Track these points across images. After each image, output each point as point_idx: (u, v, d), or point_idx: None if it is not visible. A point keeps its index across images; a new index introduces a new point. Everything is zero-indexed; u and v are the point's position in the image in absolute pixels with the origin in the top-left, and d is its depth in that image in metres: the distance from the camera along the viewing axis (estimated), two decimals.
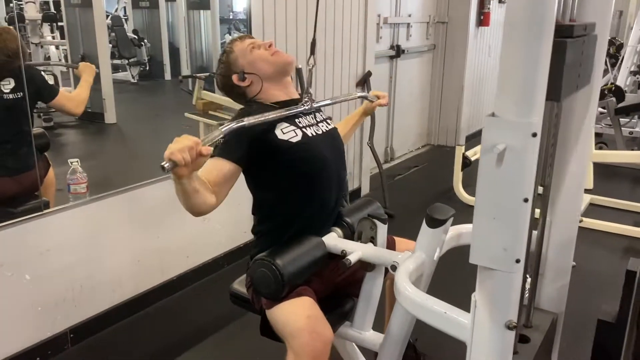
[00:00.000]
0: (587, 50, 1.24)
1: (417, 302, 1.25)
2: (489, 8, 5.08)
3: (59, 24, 6.24)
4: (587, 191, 3.79)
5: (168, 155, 1.19)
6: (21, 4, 5.93)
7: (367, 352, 1.75)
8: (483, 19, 5.10)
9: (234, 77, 1.64)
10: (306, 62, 1.66)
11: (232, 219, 2.85)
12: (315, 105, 1.67)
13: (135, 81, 8.01)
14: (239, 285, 1.83)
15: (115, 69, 6.76)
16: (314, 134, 1.62)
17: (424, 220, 1.46)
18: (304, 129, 1.60)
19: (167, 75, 8.96)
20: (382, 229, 1.63)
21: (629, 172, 4.36)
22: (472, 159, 3.77)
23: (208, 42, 8.19)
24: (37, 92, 2.46)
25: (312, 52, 1.65)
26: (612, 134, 4.70)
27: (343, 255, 1.59)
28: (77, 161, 2.51)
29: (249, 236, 2.94)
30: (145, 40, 8.83)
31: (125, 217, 2.37)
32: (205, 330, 2.34)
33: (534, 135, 0.96)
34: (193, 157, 1.20)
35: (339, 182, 1.70)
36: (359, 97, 1.99)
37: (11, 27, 2.51)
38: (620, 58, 7.56)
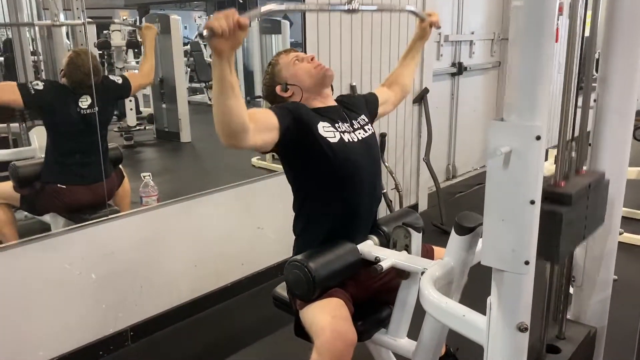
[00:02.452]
0: (595, 200, 1.25)
1: (437, 305, 1.28)
2: (557, 24, 4.94)
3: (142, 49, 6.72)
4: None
5: (206, 24, 1.19)
6: (107, 32, 6.44)
7: (402, 359, 1.77)
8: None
9: (278, 88, 1.73)
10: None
11: (285, 230, 2.93)
12: (361, 7, 1.64)
13: (211, 103, 8.45)
14: (281, 289, 1.91)
15: (194, 91, 7.17)
16: (350, 140, 1.68)
17: (453, 228, 1.49)
18: (342, 134, 1.66)
19: (242, 96, 9.36)
20: (416, 238, 1.66)
21: None
22: None
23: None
24: (117, 96, 2.74)
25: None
26: None
27: (377, 261, 1.64)
28: (149, 175, 2.72)
29: None
30: None
31: (185, 223, 2.52)
32: (255, 334, 2.44)
33: (538, 138, 0.98)
34: (230, 26, 1.19)
35: (373, 190, 1.75)
36: (409, 11, 1.95)
37: (87, 48, 2.80)
38: None
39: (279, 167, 5.24)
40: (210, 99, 8.31)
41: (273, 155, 5.12)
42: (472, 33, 4.61)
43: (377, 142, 1.81)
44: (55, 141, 2.55)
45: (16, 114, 2.88)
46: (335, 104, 1.78)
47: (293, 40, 10.95)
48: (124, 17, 7.32)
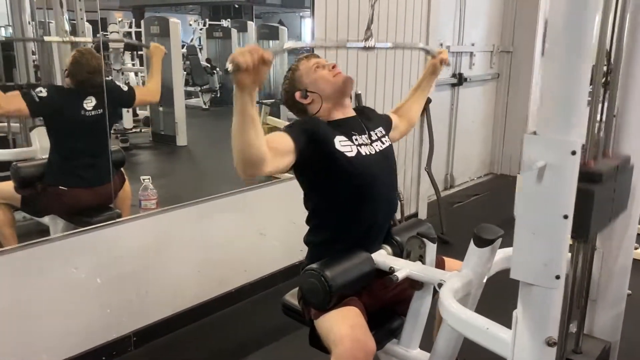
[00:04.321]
0: (621, 184, 1.27)
1: (460, 317, 1.27)
2: None
3: (139, 52, 6.70)
4: None
5: (231, 58, 1.20)
6: (106, 34, 6.41)
7: None
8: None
9: (297, 94, 1.72)
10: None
11: (288, 236, 2.94)
12: (377, 45, 1.68)
13: (207, 107, 8.41)
14: (291, 297, 1.90)
15: (189, 95, 7.14)
16: (368, 153, 1.68)
17: (472, 240, 1.49)
18: (359, 147, 1.66)
19: None
20: (431, 248, 1.66)
21: None
22: None
23: (276, 71, 8.52)
24: (119, 102, 2.71)
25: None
26: None
27: (391, 272, 1.64)
28: (149, 178, 2.70)
29: (304, 254, 3.04)
30: (218, 69, 9.28)
31: (189, 229, 2.51)
32: (259, 341, 2.43)
33: (574, 153, 0.99)
34: (255, 61, 1.20)
35: (389, 202, 1.75)
36: (420, 48, 1.99)
37: (91, 48, 2.77)
38: None
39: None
40: (205, 103, 8.28)
41: None
42: (473, 44, 4.65)
43: (394, 154, 1.80)
44: (58, 142, 2.53)
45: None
46: (355, 114, 1.77)
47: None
48: (119, 19, 7.31)
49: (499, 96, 5.17)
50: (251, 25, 9.67)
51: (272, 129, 5.35)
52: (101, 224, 2.24)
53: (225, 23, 10.88)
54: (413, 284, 1.63)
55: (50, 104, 2.43)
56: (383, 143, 1.76)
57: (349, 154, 1.62)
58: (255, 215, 2.78)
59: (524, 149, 1.04)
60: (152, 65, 2.81)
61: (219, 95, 8.91)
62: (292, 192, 2.88)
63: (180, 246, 2.47)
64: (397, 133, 1.99)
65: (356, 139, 1.67)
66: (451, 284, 1.43)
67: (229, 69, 1.21)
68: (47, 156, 2.57)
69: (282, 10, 13.10)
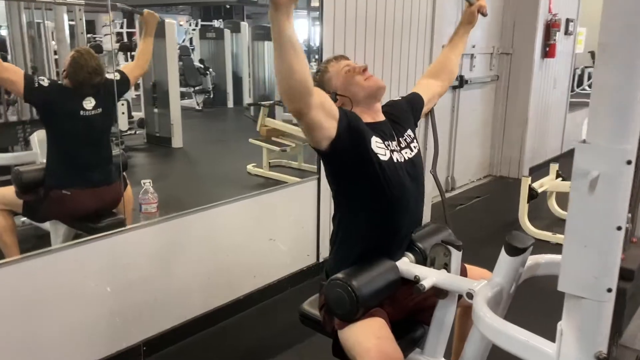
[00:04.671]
0: None
1: (499, 329, 1.24)
2: (554, 40, 5.02)
3: (133, 53, 6.63)
4: None
5: None
6: (100, 37, 6.34)
7: None
8: (549, 51, 5.03)
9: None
10: None
11: (296, 241, 2.91)
12: None
13: (200, 108, 8.36)
14: (310, 306, 1.85)
15: (182, 96, 7.09)
16: (398, 160, 1.63)
17: (503, 248, 1.45)
18: (391, 153, 1.61)
19: (230, 103, 9.31)
20: (456, 256, 1.63)
21: None
22: (539, 191, 3.69)
23: (271, 72, 8.48)
24: (119, 93, 2.65)
25: None
26: None
27: (416, 280, 1.60)
28: (150, 182, 2.64)
29: (312, 260, 3.02)
30: (211, 70, 9.22)
31: (198, 235, 2.46)
32: (270, 350, 2.38)
33: (629, 162, 0.96)
34: None
35: (416, 210, 1.71)
36: None
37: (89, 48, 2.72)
38: None
39: (275, 174, 5.17)
40: (198, 104, 8.20)
41: (269, 164, 5.07)
42: (473, 46, 4.63)
43: (422, 161, 1.75)
44: (58, 145, 2.47)
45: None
46: (384, 118, 1.70)
47: None
48: (112, 20, 7.21)
49: (498, 98, 5.17)
50: (244, 26, 9.64)
51: (270, 130, 5.32)
52: (110, 232, 2.19)
53: (217, 23, 10.83)
54: (437, 293, 1.60)
55: (47, 95, 2.36)
56: (412, 150, 1.70)
57: (382, 157, 1.57)
58: (264, 220, 2.73)
59: (575, 158, 1.01)
60: (145, 32, 2.75)
61: (211, 96, 8.87)
62: (300, 196, 2.88)
63: (189, 253, 2.42)
64: (436, 97, 1.93)
65: (389, 144, 1.63)
66: (484, 293, 1.40)
67: None
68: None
69: None
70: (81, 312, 2.06)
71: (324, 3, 2.75)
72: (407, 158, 1.66)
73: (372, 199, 1.60)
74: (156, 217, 2.54)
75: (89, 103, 2.48)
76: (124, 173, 2.75)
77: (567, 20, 5.26)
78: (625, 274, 1.10)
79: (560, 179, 3.90)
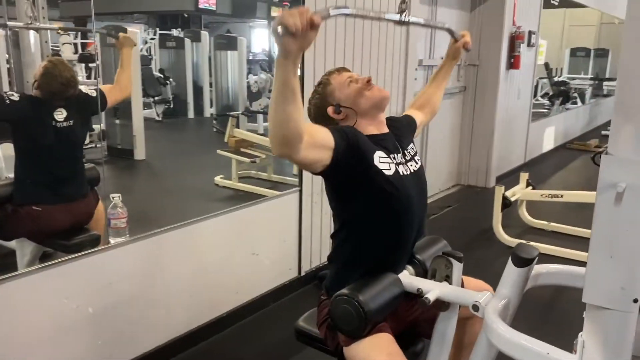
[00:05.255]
0: None
1: (516, 342, 1.23)
2: (519, 51, 5.16)
3: (93, 64, 6.42)
4: None
5: (279, 20, 1.12)
6: (58, 45, 6.11)
7: None
8: (513, 62, 5.17)
9: (330, 109, 1.63)
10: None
11: (278, 255, 2.86)
12: (411, 19, 1.62)
13: (160, 119, 8.17)
14: (306, 322, 1.81)
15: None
16: (404, 173, 1.61)
17: (510, 259, 1.45)
18: (397, 166, 1.59)
19: (191, 114, 9.17)
20: (457, 268, 1.61)
21: None
22: (511, 199, 3.77)
23: (234, 82, 8.39)
24: (91, 110, 2.55)
25: None
26: None
27: (419, 293, 1.58)
28: (119, 196, 2.54)
29: (294, 273, 2.96)
30: (171, 79, 9.05)
31: (179, 252, 2.37)
32: None
33: None
34: (304, 24, 1.12)
35: (421, 223, 1.69)
36: (446, 28, 1.93)
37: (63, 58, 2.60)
38: None
39: (245, 186, 5.10)
40: (158, 115, 8.04)
41: (239, 176, 4.98)
42: (442, 58, 4.69)
43: (425, 175, 1.74)
44: (28, 158, 2.34)
45: None
46: (388, 130, 1.68)
47: (252, 57, 10.74)
48: (60, 32, 7.00)
49: (465, 109, 5.26)
50: (205, 35, 9.53)
51: (240, 141, 5.24)
52: (89, 251, 2.09)
53: (175, 32, 10.67)
54: (439, 305, 1.58)
55: (20, 110, 2.24)
56: (417, 163, 1.69)
57: (387, 172, 1.55)
58: (246, 234, 2.67)
59: (600, 170, 1.01)
60: (122, 57, 2.64)
61: (172, 106, 8.70)
62: (282, 210, 2.83)
63: (170, 271, 2.34)
64: (420, 128, 1.94)
65: (394, 157, 1.60)
66: (495, 306, 1.39)
67: (278, 32, 1.13)
68: (12, 175, 2.39)
69: (232, 20, 12.98)
70: (64, 335, 1.95)
71: None
72: (412, 170, 1.65)
73: (378, 214, 1.57)
74: (126, 232, 2.44)
75: (60, 114, 2.37)
76: (95, 188, 2.65)
77: (530, 33, 5.42)
78: None
79: (531, 187, 3.98)
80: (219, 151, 5.06)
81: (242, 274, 2.66)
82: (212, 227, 2.51)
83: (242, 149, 5.18)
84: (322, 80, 1.68)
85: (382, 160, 1.55)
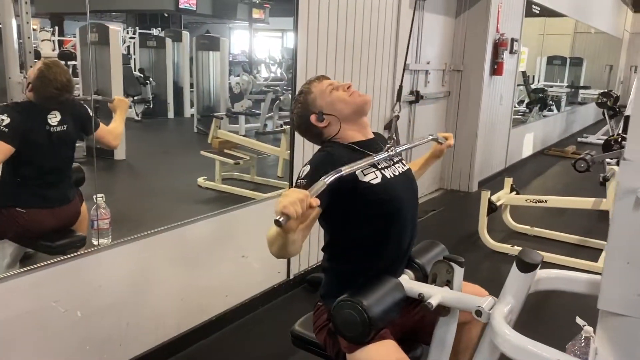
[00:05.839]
0: None
1: (524, 348, 1.22)
2: (502, 58, 5.22)
3: (73, 62, 6.29)
4: None
5: (281, 209, 1.19)
6: (37, 42, 5.96)
7: None
8: (497, 69, 5.23)
9: (312, 118, 1.63)
10: (392, 109, 1.67)
11: (267, 258, 2.79)
12: (398, 149, 1.67)
13: (139, 119, 8.05)
14: (302, 327, 1.78)
15: None
16: (392, 175, 1.61)
17: (515, 265, 1.45)
18: (382, 171, 1.59)
19: (171, 114, 9.06)
20: (458, 273, 1.61)
21: None
22: (497, 204, 3.80)
23: (216, 83, 8.30)
24: (83, 125, 2.46)
25: (399, 99, 1.69)
26: None
27: (420, 298, 1.57)
28: (102, 197, 2.48)
29: (283, 276, 2.93)
30: (151, 79, 8.93)
31: (169, 255, 2.32)
32: None
33: None
34: (304, 210, 1.21)
35: (414, 224, 1.69)
36: (430, 139, 2.00)
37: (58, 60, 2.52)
38: (618, 110, 7.78)
39: (228, 187, 5.04)
40: (137, 114, 7.91)
41: (222, 177, 4.91)
42: (428, 63, 4.74)
43: (414, 176, 1.75)
44: (18, 161, 2.24)
45: None
46: (373, 135, 1.70)
47: (232, 58, 10.65)
48: (35, 27, 6.84)
49: (449, 113, 5.30)
50: (186, 35, 9.43)
51: (223, 142, 5.18)
52: (80, 252, 2.02)
53: (155, 32, 10.54)
54: (439, 310, 1.57)
55: (20, 128, 2.16)
56: (403, 165, 1.71)
57: (374, 181, 1.55)
58: (236, 237, 2.62)
59: (618, 176, 1.02)
60: (116, 117, 2.60)
61: (151, 106, 8.57)
62: (271, 212, 2.78)
63: (160, 274, 2.28)
64: None
65: (379, 163, 1.61)
66: (501, 311, 1.39)
67: (280, 222, 1.20)
68: None
69: (212, 20, 12.88)
70: (52, 339, 1.88)
71: (299, 19, 2.71)
72: (400, 172, 1.66)
73: (371, 221, 1.57)
74: (109, 233, 2.38)
75: (54, 118, 2.31)
76: (79, 189, 2.59)
77: (512, 40, 5.49)
78: None
79: (515, 192, 4.03)
80: (202, 152, 5.00)
81: (231, 277, 2.61)
82: (202, 229, 2.46)
83: (226, 150, 5.13)
84: (302, 89, 1.68)
85: (366, 173, 1.55)
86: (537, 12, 6.18)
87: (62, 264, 1.92)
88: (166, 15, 11.88)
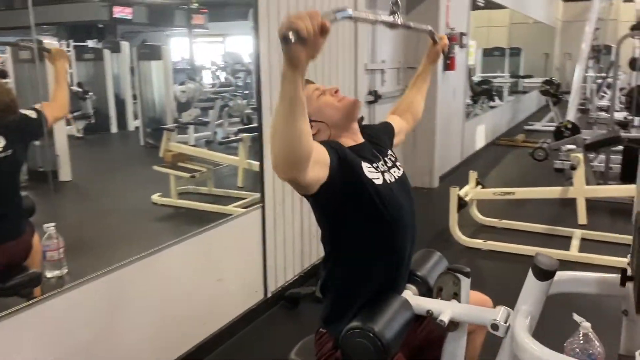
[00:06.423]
0: None
1: None
2: (454, 53, 5.23)
3: (5, 80, 5.87)
4: (580, 226, 3.86)
5: (288, 24, 1.00)
6: None
7: None
8: (449, 64, 5.24)
9: None
10: None
11: (243, 279, 2.67)
12: (400, 21, 1.52)
13: (81, 135, 7.64)
14: (301, 355, 1.65)
15: None
16: (390, 180, 1.51)
17: (531, 272, 1.37)
18: (383, 174, 1.49)
19: (114, 128, 8.67)
20: (465, 284, 1.52)
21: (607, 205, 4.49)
22: (466, 199, 3.77)
23: (160, 93, 8.00)
24: (33, 135, 2.24)
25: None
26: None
27: (429, 315, 1.47)
28: (54, 225, 2.27)
29: (260, 296, 2.77)
30: (91, 93, 8.52)
31: (140, 289, 2.13)
32: None
33: None
34: (315, 29, 1.01)
35: (413, 233, 1.59)
36: (427, 30, 1.88)
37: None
38: (561, 97, 8.03)
39: (186, 202, 4.84)
40: (78, 131, 7.52)
41: (178, 193, 4.71)
42: (383, 62, 4.68)
43: (408, 180, 1.64)
44: None
45: None
46: (364, 140, 1.58)
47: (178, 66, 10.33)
48: None
49: None
50: (125, 45, 9.05)
51: (177, 155, 4.96)
52: (50, 294, 1.82)
53: (90, 43, 10.09)
54: (447, 326, 1.48)
55: None
56: (399, 169, 1.60)
57: (376, 182, 1.44)
58: (209, 260, 2.45)
59: None
60: (56, 72, 2.34)
61: (93, 121, 8.17)
62: (244, 229, 2.63)
63: (132, 310, 2.09)
64: (403, 134, 1.84)
65: (377, 166, 1.50)
66: (522, 324, 1.30)
67: (290, 38, 1.00)
68: None
69: (149, 29, 12.49)
70: None
71: (259, 24, 2.57)
72: (396, 177, 1.56)
73: (372, 228, 1.46)
74: (63, 263, 2.17)
75: None
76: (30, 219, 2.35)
77: (461, 34, 5.52)
78: None
79: (480, 186, 4.02)
80: (155, 167, 4.75)
81: (207, 303, 2.44)
82: (173, 256, 2.27)
83: (180, 164, 4.90)
84: None
85: (369, 170, 1.45)
86: (482, 5, 6.26)
87: (24, 312, 1.71)
88: (101, 26, 11.41)
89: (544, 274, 1.35)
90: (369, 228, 1.46)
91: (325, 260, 1.55)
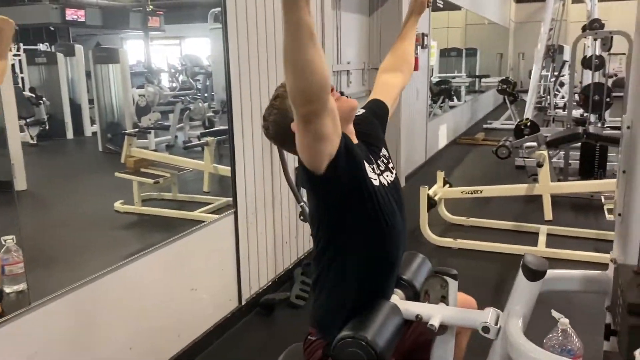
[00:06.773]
0: None
1: None
2: (416, 53, 5.26)
3: None
4: (546, 222, 3.94)
5: None
6: None
7: None
8: (413, 64, 5.26)
9: (293, 125, 1.44)
10: None
11: (217, 287, 2.59)
12: None
13: (35, 142, 7.35)
14: None
15: None
16: (386, 183, 1.48)
17: (521, 273, 1.36)
18: (379, 176, 1.46)
19: (70, 134, 8.38)
20: (453, 286, 1.51)
21: (569, 200, 4.61)
22: (435, 199, 3.79)
23: (118, 97, 7.78)
24: None
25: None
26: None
27: (419, 319, 1.46)
28: (12, 239, 2.15)
29: (234, 304, 2.70)
30: (44, 98, 8.21)
31: (112, 301, 2.02)
32: None
33: None
34: None
35: (405, 239, 1.56)
36: None
37: None
38: (517, 95, 8.23)
39: (150, 209, 4.71)
40: (32, 138, 7.28)
41: (142, 199, 4.58)
42: (349, 63, 4.67)
43: (400, 185, 1.60)
44: None
45: None
46: (358, 141, 1.51)
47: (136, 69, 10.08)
48: None
49: None
50: (80, 49, 8.76)
51: (139, 161, 4.81)
52: (9, 316, 1.70)
53: (42, 47, 9.73)
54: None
55: None
56: (392, 172, 1.56)
57: (375, 182, 1.42)
58: (182, 270, 2.36)
59: None
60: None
61: (47, 127, 7.87)
62: (217, 236, 2.56)
63: (105, 324, 1.99)
64: (398, 96, 1.78)
65: (373, 168, 1.47)
66: (515, 325, 1.29)
67: None
68: None
69: (102, 32, 12.15)
70: None
71: (228, 27, 2.50)
72: (390, 181, 1.51)
73: (368, 231, 1.43)
74: (24, 278, 2.06)
75: None
76: None
77: (423, 35, 5.57)
78: None
79: (448, 185, 4.05)
80: (117, 174, 4.59)
81: (182, 314, 2.35)
82: (145, 267, 2.18)
83: (143, 169, 4.76)
84: (279, 93, 1.47)
85: (369, 169, 1.42)
86: (441, 6, 6.35)
87: None
88: (52, 28, 11.02)
89: (534, 274, 1.35)
90: (365, 231, 1.42)
91: (318, 258, 1.50)
